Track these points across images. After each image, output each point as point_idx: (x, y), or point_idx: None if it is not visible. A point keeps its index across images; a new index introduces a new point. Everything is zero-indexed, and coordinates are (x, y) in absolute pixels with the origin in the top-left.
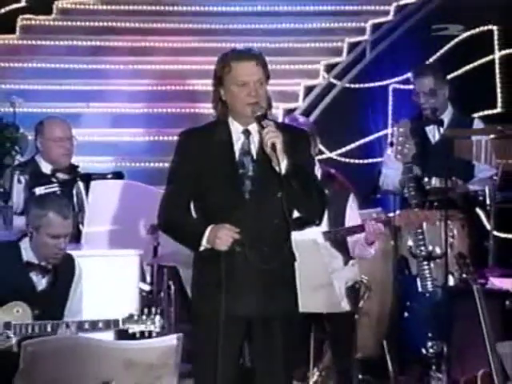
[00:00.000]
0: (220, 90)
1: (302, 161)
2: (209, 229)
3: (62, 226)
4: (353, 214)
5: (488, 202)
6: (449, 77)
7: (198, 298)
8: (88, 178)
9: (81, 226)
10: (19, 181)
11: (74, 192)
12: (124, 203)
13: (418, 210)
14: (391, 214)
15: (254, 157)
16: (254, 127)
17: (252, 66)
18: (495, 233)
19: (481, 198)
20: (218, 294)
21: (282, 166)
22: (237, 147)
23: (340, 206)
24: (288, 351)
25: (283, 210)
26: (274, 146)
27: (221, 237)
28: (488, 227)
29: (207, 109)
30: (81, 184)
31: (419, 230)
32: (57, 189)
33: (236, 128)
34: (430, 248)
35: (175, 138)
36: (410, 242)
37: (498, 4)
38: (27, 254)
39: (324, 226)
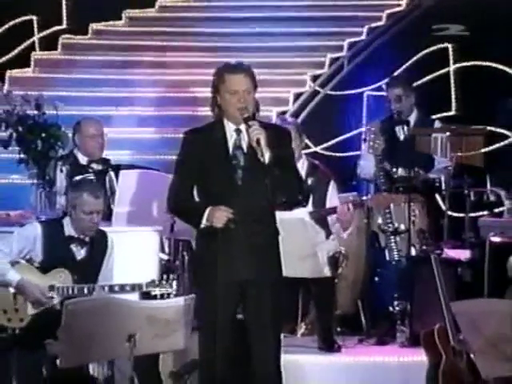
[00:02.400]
0: (217, 96)
1: (283, 153)
2: (208, 209)
3: (94, 204)
4: (333, 197)
5: (443, 187)
6: (414, 85)
7: (199, 266)
8: (118, 168)
9: (112, 207)
10: (61, 170)
11: (107, 180)
12: (147, 188)
13: (386, 194)
14: (364, 197)
15: (245, 150)
16: (244, 126)
17: (241, 77)
18: (449, 212)
19: (437, 185)
20: (216, 263)
21: (266, 157)
22: (230, 143)
23: (322, 190)
24: (275, 308)
25: (268, 195)
26: (258, 141)
27: (217, 216)
28: (443, 208)
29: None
30: (112, 173)
31: (387, 210)
32: (92, 177)
33: (229, 127)
34: (396, 225)
35: None
36: (380, 220)
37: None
38: (68, 229)
39: (309, 207)
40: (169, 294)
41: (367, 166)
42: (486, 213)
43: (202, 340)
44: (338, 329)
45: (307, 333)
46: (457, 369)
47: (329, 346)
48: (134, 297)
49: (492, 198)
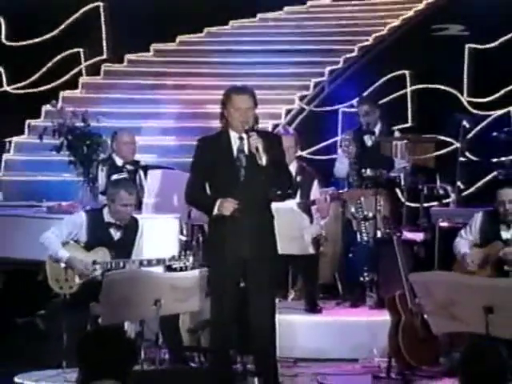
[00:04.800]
0: (224, 111)
1: (276, 155)
2: (218, 201)
3: (128, 199)
4: (316, 192)
5: (403, 183)
6: (379, 102)
7: (212, 246)
8: (146, 168)
9: (142, 199)
10: (102, 170)
11: (137, 177)
12: (169, 184)
13: (358, 189)
14: (341, 191)
15: (246, 153)
16: (245, 135)
17: (245, 98)
18: (407, 203)
19: (398, 181)
20: (225, 243)
21: (263, 160)
22: (235, 148)
23: (308, 186)
24: (271, 278)
25: (265, 189)
26: (257, 148)
27: (226, 206)
28: (402, 199)
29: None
30: (141, 172)
31: (358, 201)
32: (126, 175)
33: (233, 135)
34: (366, 213)
35: None
36: (353, 209)
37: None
38: (107, 217)
39: (297, 198)
40: (186, 267)
41: (341, 167)
42: (436, 203)
43: (212, 304)
44: (320, 295)
45: (296, 298)
46: (413, 326)
47: (313, 308)
48: (159, 269)
49: (441, 191)
